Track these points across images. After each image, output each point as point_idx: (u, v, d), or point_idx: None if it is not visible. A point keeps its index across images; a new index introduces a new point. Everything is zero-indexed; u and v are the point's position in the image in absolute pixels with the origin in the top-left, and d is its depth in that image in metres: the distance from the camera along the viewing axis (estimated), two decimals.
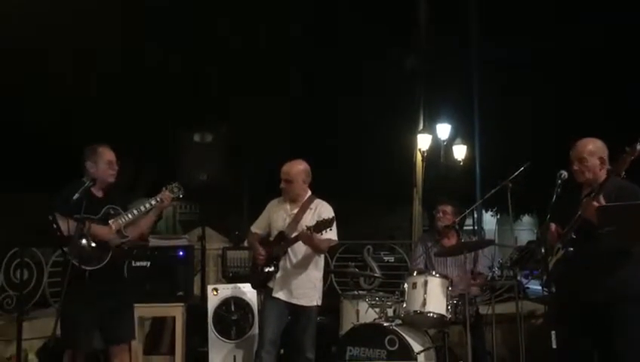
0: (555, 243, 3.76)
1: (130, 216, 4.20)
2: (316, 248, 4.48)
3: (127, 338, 4.43)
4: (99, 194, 4.24)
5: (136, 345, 5.16)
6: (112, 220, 4.18)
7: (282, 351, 4.97)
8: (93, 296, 4.13)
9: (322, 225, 4.29)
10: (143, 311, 5.39)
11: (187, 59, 12.46)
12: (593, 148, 3.76)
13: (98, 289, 4.13)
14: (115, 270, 4.26)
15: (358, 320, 5.09)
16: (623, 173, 3.51)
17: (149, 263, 5.55)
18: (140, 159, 13.69)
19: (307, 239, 4.37)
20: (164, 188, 4.39)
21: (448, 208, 5.29)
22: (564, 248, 3.70)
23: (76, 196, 3.99)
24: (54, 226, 3.96)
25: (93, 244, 4.09)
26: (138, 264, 5.51)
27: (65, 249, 4.00)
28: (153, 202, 4.28)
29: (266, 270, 4.53)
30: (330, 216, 4.35)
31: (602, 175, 3.69)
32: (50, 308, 6.10)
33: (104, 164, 4.21)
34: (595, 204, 3.47)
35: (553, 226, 3.78)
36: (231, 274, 6.10)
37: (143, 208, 4.22)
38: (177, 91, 12.47)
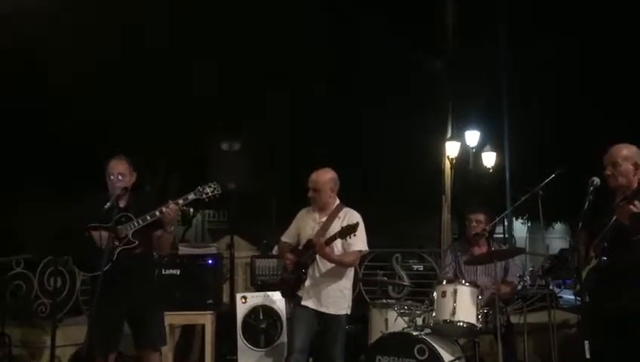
0: (589, 254, 3.70)
1: (140, 222, 4.23)
2: (332, 261, 4.44)
3: (149, 343, 4.39)
4: (121, 203, 4.34)
5: (167, 352, 5.21)
6: (120, 226, 4.24)
7: (311, 359, 4.97)
8: (103, 302, 4.12)
9: (347, 230, 4.28)
10: (173, 318, 5.43)
11: (215, 67, 12.59)
12: (628, 153, 3.69)
13: (107, 294, 4.11)
14: (127, 275, 4.22)
15: (387, 329, 5.05)
16: None
17: (178, 271, 5.60)
18: (168, 167, 13.88)
19: (320, 248, 4.36)
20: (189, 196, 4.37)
21: (481, 216, 5.22)
22: (597, 257, 3.63)
23: (108, 205, 4.16)
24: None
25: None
26: (168, 272, 5.56)
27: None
28: (157, 213, 4.24)
29: (304, 278, 4.52)
30: (355, 222, 4.34)
31: (636, 181, 3.62)
32: (82, 316, 6.20)
33: (110, 176, 4.34)
34: (632, 208, 3.41)
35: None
36: (259, 283, 6.12)
37: (148, 217, 4.23)
38: (206, 99, 12.60)
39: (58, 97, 11.37)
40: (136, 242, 4.26)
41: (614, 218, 3.54)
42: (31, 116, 11.88)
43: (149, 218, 4.23)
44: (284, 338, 5.51)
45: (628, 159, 3.67)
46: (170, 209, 4.22)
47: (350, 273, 4.64)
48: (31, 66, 10.63)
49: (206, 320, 5.62)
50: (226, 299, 6.22)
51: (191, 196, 4.31)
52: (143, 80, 11.79)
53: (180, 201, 4.28)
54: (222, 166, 6.02)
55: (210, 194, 4.34)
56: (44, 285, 5.97)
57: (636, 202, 3.43)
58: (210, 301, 5.65)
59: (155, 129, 12.44)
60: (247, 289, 6.39)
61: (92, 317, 4.18)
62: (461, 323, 4.60)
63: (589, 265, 3.68)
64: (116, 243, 4.21)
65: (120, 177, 4.33)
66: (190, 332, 6.09)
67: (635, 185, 3.59)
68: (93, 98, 11.62)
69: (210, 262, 5.80)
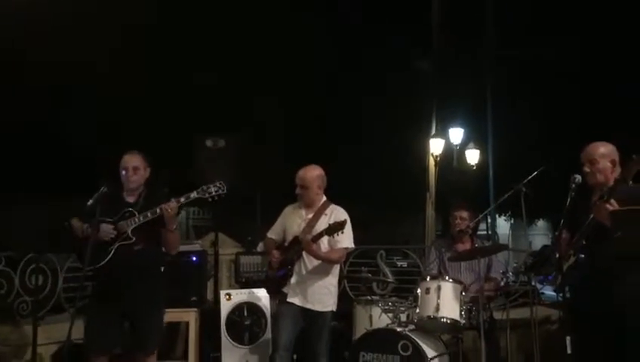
0: (567, 251, 3.73)
1: (141, 218, 4.12)
2: (319, 258, 4.45)
3: (139, 347, 4.24)
4: (129, 198, 4.27)
5: None
6: (121, 222, 4.15)
7: (295, 356, 4.97)
8: (99, 298, 4.13)
9: (334, 227, 4.29)
10: None
11: (203, 67, 12.56)
12: (605, 150, 3.72)
13: (103, 290, 4.09)
14: (125, 271, 4.11)
15: (371, 326, 5.07)
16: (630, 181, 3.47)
17: (162, 268, 5.56)
18: (155, 162, 13.82)
19: (307, 245, 4.37)
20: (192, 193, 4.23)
21: (465, 213, 5.26)
22: (575, 254, 3.67)
23: (90, 202, 4.07)
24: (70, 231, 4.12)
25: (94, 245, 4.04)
26: None
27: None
28: (157, 210, 4.13)
29: (289, 274, 4.51)
30: (343, 219, 4.34)
31: (613, 178, 3.64)
32: (64, 314, 6.14)
33: (123, 170, 4.26)
34: (608, 206, 3.43)
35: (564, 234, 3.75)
36: (244, 280, 6.11)
37: (149, 214, 4.13)
38: (192, 97, 12.57)
39: (49, 97, 11.29)
40: (134, 238, 4.13)
41: (592, 216, 3.56)
42: (21, 116, 11.75)
43: (149, 215, 4.11)
44: (268, 335, 5.51)
45: (605, 156, 3.70)
46: (169, 206, 4.08)
47: (336, 270, 4.64)
48: (24, 67, 10.54)
49: (190, 317, 5.61)
50: (210, 296, 6.20)
51: (193, 195, 4.16)
52: (138, 78, 11.74)
53: (182, 199, 4.14)
54: (206, 162, 5.99)
55: (214, 193, 4.18)
56: (25, 283, 5.90)
57: (612, 201, 3.45)
58: (194, 298, 5.64)
59: (147, 127, 12.38)
60: (231, 286, 6.38)
61: (89, 313, 4.15)
62: (445, 319, 4.63)
63: (568, 262, 3.71)
64: (100, 238, 4.10)
65: (134, 171, 4.24)
66: (174, 330, 6.06)
67: (612, 182, 3.62)
68: (90, 98, 11.56)
69: (194, 259, 5.78)
